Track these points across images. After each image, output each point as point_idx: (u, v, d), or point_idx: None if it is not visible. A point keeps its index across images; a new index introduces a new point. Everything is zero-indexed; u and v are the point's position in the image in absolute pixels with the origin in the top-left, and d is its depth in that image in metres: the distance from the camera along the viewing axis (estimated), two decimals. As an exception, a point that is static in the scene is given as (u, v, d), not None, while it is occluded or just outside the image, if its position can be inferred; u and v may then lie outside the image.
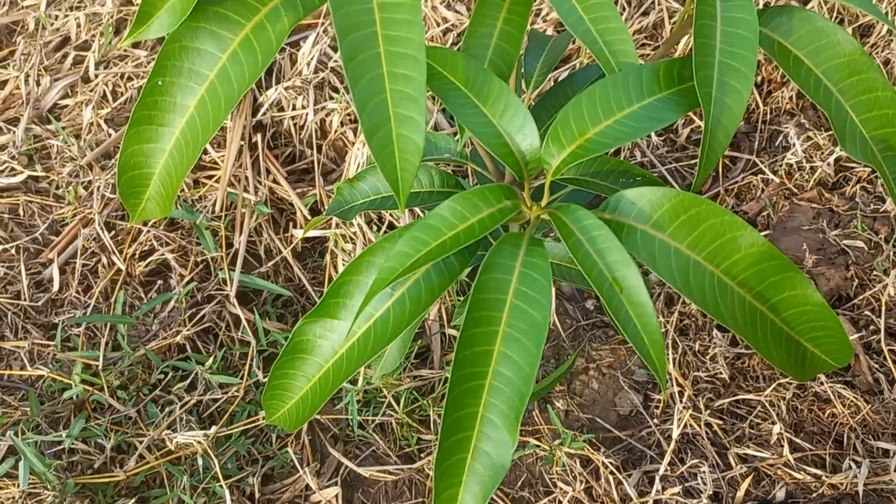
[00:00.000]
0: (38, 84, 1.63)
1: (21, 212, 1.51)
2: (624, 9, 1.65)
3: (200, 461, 1.24)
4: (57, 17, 1.72)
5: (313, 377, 0.65)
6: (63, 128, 1.57)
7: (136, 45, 1.64)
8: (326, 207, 1.42)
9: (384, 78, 0.55)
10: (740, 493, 1.29)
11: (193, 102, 0.62)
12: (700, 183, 0.60)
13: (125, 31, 1.68)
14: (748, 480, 1.29)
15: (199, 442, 1.22)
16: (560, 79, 1.09)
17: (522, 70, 0.90)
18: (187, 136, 0.63)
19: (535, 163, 0.62)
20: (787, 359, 0.62)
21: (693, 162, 1.63)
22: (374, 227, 1.44)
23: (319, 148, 1.51)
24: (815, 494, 1.30)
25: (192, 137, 0.63)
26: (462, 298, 1.37)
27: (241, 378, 1.35)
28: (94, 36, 1.67)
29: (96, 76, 1.61)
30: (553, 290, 1.43)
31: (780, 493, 1.31)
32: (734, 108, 0.61)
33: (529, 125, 0.61)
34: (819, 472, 1.30)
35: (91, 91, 1.59)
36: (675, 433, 1.34)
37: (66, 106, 1.61)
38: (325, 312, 0.64)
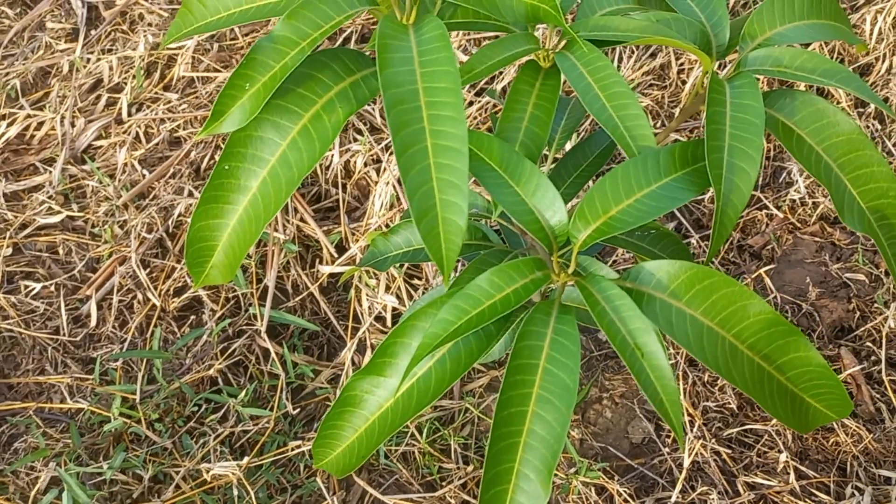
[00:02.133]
0: (73, 125, 1.71)
1: (59, 250, 1.58)
2: (633, 52, 1.72)
3: (235, 491, 1.30)
4: (90, 59, 1.80)
5: (360, 428, 0.72)
6: (98, 168, 1.64)
7: (166, 89, 1.71)
8: (356, 252, 1.49)
9: (431, 168, 0.62)
10: (749, 520, 1.35)
11: (256, 184, 0.69)
12: (712, 255, 0.67)
13: (155, 75, 1.75)
14: (756, 507, 1.35)
15: (233, 473, 1.29)
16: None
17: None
18: (250, 213, 0.70)
19: (562, 237, 0.69)
20: (790, 414, 0.69)
21: (700, 198, 1.69)
22: (398, 265, 1.51)
23: (344, 187, 1.58)
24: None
25: (254, 215, 0.70)
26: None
27: (271, 409, 1.41)
28: (126, 79, 1.75)
29: (129, 118, 1.69)
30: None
31: (787, 520, 1.37)
32: (743, 188, 0.68)
33: (558, 203, 0.68)
34: (824, 497, 1.36)
35: (124, 132, 1.67)
36: (686, 462, 1.40)
37: (100, 147, 1.69)
38: (373, 370, 0.70)
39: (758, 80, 0.72)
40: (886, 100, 1.75)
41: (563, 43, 0.75)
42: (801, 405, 0.70)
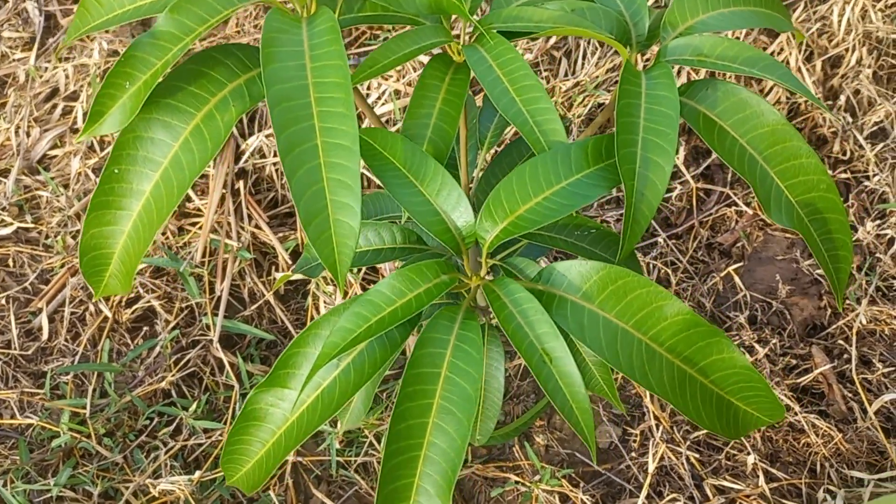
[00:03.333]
0: (28, 135, 1.68)
1: (11, 262, 1.55)
2: (597, 48, 1.69)
3: (184, 507, 1.27)
4: (46, 68, 1.77)
5: (267, 442, 0.68)
6: (52, 178, 1.61)
7: (121, 96, 1.68)
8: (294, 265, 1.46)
9: (321, 168, 0.59)
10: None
11: (149, 187, 0.66)
12: (625, 255, 0.63)
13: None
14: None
15: (180, 488, 1.25)
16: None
17: (478, 131, 0.94)
18: (143, 218, 0.67)
19: (470, 238, 0.65)
20: (717, 419, 0.65)
21: (667, 196, 1.66)
22: (354, 269, 1.48)
23: (300, 193, 1.54)
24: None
25: (147, 219, 0.67)
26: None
27: (225, 422, 1.38)
28: (82, 87, 1.72)
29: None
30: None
31: (758, 525, 1.33)
32: (657, 183, 0.64)
33: (464, 203, 0.65)
34: (794, 501, 1.32)
35: (79, 142, 1.63)
36: (651, 466, 1.36)
37: (55, 156, 1.66)
38: (276, 382, 0.67)
39: (676, 70, 0.68)
40: (857, 92, 1.72)
41: (474, 36, 0.71)
42: (730, 409, 0.66)
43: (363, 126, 0.77)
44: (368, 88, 1.62)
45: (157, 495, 1.28)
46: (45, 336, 1.47)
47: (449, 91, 0.69)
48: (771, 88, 1.68)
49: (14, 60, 1.79)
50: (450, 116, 0.68)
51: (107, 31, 1.77)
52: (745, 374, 0.65)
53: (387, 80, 1.61)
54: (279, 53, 0.60)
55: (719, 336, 0.64)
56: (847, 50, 1.71)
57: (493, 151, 0.88)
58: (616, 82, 1.73)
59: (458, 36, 0.73)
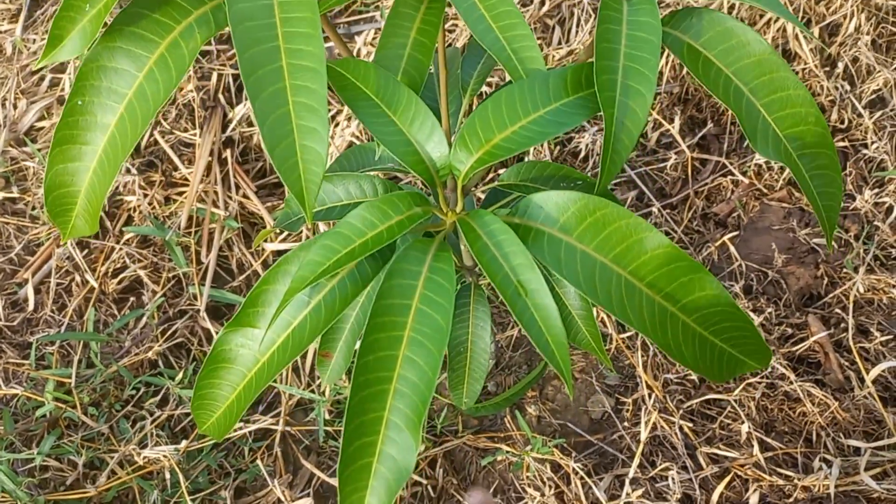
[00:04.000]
0: (15, 107, 1.66)
1: (-3, 233, 1.53)
2: (591, 15, 1.66)
3: (169, 476, 1.25)
4: (34, 40, 1.75)
5: (238, 385, 0.66)
6: (39, 150, 1.59)
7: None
8: (305, 233, 1.43)
9: (286, 91, 0.57)
10: (714, 497, 1.29)
11: (113, 120, 0.64)
12: (604, 186, 0.61)
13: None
14: (723, 483, 1.28)
15: (166, 457, 1.23)
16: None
17: (460, 77, 0.92)
18: (109, 153, 0.64)
19: (444, 170, 0.63)
20: (700, 359, 0.63)
21: (662, 165, 1.63)
22: (331, 223, 1.45)
23: (288, 162, 1.52)
24: (791, 499, 1.30)
25: (112, 154, 0.64)
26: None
27: (212, 391, 1.36)
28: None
29: (70, 97, 1.64)
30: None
31: (753, 498, 1.31)
32: (638, 111, 0.62)
33: (438, 133, 0.62)
34: (791, 473, 1.30)
35: (39, 68, 1.61)
36: (644, 435, 1.34)
37: (41, 128, 1.64)
38: (244, 321, 0.65)
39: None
40: (856, 60, 1.69)
41: (450, -35, 0.69)
42: (713, 351, 0.64)
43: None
44: (358, 56, 1.59)
45: (142, 464, 1.26)
46: (30, 307, 1.45)
47: (424, 20, 0.67)
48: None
49: (1, 32, 1.77)
50: (424, 47, 0.66)
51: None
52: (729, 313, 0.63)
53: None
54: (242, -28, 0.57)
55: (702, 272, 0.62)
56: (845, 17, 1.68)
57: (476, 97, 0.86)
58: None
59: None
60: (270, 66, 0.56)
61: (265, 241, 1.51)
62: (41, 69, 1.73)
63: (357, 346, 1.21)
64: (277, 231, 1.49)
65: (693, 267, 0.61)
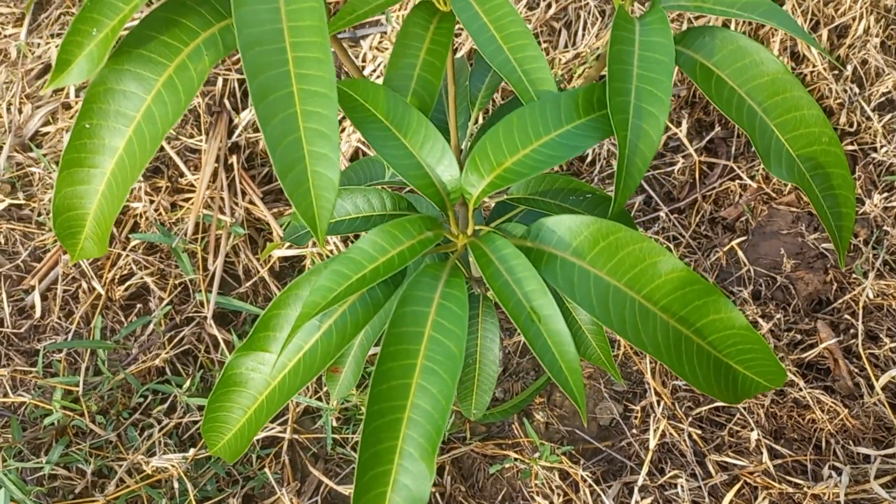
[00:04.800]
0: (20, 112, 1.65)
1: (3, 239, 1.53)
2: (597, 19, 1.65)
3: (177, 484, 1.25)
4: (39, 44, 1.74)
5: (249, 408, 0.66)
6: (44, 155, 1.59)
7: (113, 71, 1.65)
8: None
9: (297, 117, 0.56)
10: None
11: (122, 143, 0.63)
12: (618, 208, 0.60)
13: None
14: (733, 491, 1.28)
15: (174, 465, 1.23)
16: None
17: (469, 92, 0.91)
18: (118, 176, 0.64)
19: (455, 193, 0.62)
20: (715, 382, 0.62)
21: (669, 169, 1.63)
22: (339, 238, 1.45)
23: (294, 168, 1.52)
24: (801, 506, 1.30)
25: (121, 177, 0.64)
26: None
27: (220, 399, 1.35)
28: (73, 63, 1.69)
29: (77, 103, 1.64)
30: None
31: None
32: (651, 134, 0.61)
33: (448, 156, 0.62)
34: (800, 480, 1.30)
35: (71, 118, 1.61)
36: (653, 443, 1.33)
37: (47, 133, 1.64)
38: (255, 346, 0.64)
39: (674, 17, 0.65)
40: (865, 62, 1.67)
41: (460, -17, 0.68)
42: (728, 373, 0.64)
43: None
44: (364, 61, 1.59)
45: (150, 473, 1.26)
46: (37, 314, 1.45)
47: (433, 41, 0.66)
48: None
49: (5, 36, 1.76)
50: (434, 67, 0.65)
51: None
52: (744, 336, 0.62)
53: (382, 52, 1.57)
54: (252, -4, 0.57)
55: (716, 295, 0.61)
56: (854, 19, 1.67)
57: (484, 115, 0.85)
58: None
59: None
60: (281, 92, 0.56)
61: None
62: (46, 73, 1.73)
63: (374, 355, 1.21)
64: (277, 242, 1.49)
65: (707, 290, 0.61)
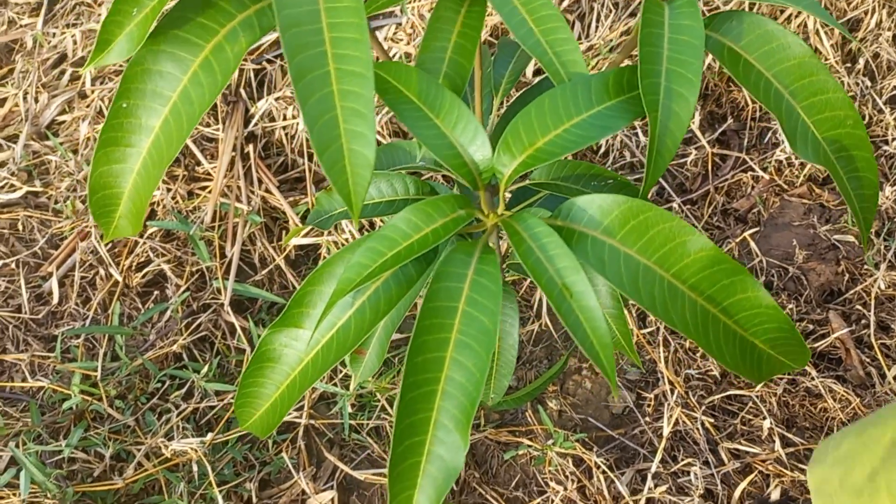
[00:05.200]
0: (37, 101, 1.67)
1: (21, 227, 1.54)
2: (611, 10, 1.66)
3: (196, 468, 1.26)
4: (54, 34, 1.75)
5: (281, 384, 0.67)
6: (61, 143, 1.60)
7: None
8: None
9: (334, 95, 0.57)
10: (737, 493, 1.30)
11: (158, 123, 0.64)
12: (648, 189, 0.61)
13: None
14: (747, 480, 1.29)
15: (193, 449, 1.25)
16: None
17: (492, 76, 0.92)
18: (153, 155, 0.65)
19: (487, 173, 0.63)
20: (740, 361, 0.63)
21: (682, 161, 1.63)
22: (366, 233, 1.46)
23: (311, 157, 1.53)
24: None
25: (157, 156, 0.65)
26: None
27: (237, 385, 1.37)
28: (90, 52, 1.70)
29: (92, 91, 1.65)
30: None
31: (775, 493, 1.31)
32: (681, 115, 0.62)
33: (481, 136, 0.63)
34: (811, 467, 1.31)
35: (87, 107, 1.62)
36: (666, 430, 1.35)
37: (63, 122, 1.65)
38: (289, 322, 0.66)
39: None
40: (877, 56, 1.68)
41: (490, -33, 0.69)
42: (753, 352, 0.65)
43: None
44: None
45: (169, 456, 1.27)
46: (55, 300, 1.46)
47: (465, 24, 0.67)
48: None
49: (21, 26, 1.77)
50: (466, 50, 0.66)
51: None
52: (770, 315, 0.63)
53: (397, 42, 1.58)
54: (291, -22, 0.58)
55: (743, 274, 0.62)
56: (866, 12, 1.68)
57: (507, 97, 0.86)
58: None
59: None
60: (319, 72, 0.57)
61: (286, 235, 1.51)
62: (62, 62, 1.74)
63: (394, 340, 1.22)
64: (299, 226, 1.50)
65: (735, 269, 0.62)
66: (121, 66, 1.68)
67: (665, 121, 0.62)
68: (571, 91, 0.63)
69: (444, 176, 1.41)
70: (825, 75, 0.67)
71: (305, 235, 1.49)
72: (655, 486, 1.30)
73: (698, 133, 1.63)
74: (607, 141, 1.61)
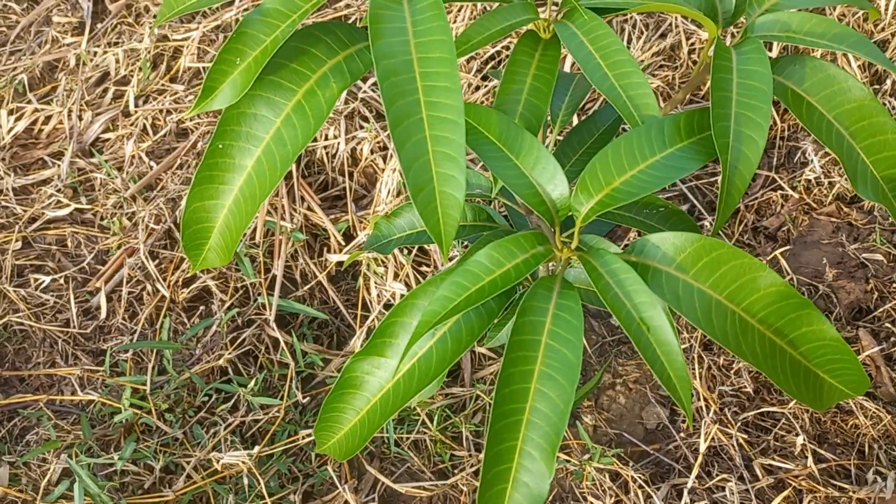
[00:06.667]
0: (81, 119, 1.71)
1: (68, 243, 1.58)
2: (642, 32, 1.70)
3: (245, 480, 1.30)
4: (96, 53, 1.80)
5: (362, 410, 0.71)
6: (105, 161, 1.64)
7: (173, 80, 1.71)
8: (364, 240, 1.48)
9: (427, 141, 0.61)
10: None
11: (251, 163, 0.68)
12: (720, 226, 0.65)
13: (161, 68, 1.75)
14: (781, 496, 1.32)
15: (243, 462, 1.28)
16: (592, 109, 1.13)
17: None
18: (245, 193, 0.69)
19: (564, 210, 0.67)
20: (804, 390, 0.66)
21: (713, 179, 1.67)
22: (406, 251, 1.50)
23: (351, 175, 1.56)
24: (845, 510, 1.33)
25: (249, 194, 0.69)
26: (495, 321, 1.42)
27: (281, 399, 1.40)
28: (132, 71, 1.75)
29: (136, 111, 1.69)
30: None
31: (807, 507, 1.34)
32: (750, 157, 0.65)
33: (559, 176, 0.66)
34: (845, 485, 1.34)
35: (132, 125, 1.66)
36: (703, 447, 1.38)
37: (107, 140, 1.69)
38: (373, 351, 0.69)
39: (765, 46, 0.69)
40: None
41: (563, 12, 0.73)
42: (816, 381, 0.68)
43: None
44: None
45: (219, 469, 1.31)
46: (103, 315, 1.50)
47: (539, 67, 0.70)
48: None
49: (64, 45, 1.82)
50: (541, 92, 0.69)
51: (155, 17, 1.79)
52: (834, 346, 0.67)
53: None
54: (385, 30, 0.62)
55: (810, 308, 0.66)
56: (893, 34, 1.71)
57: (565, 129, 0.90)
58: (661, 66, 1.74)
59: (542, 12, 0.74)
60: (413, 118, 0.60)
61: (328, 252, 1.55)
62: (104, 80, 1.78)
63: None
64: (340, 243, 1.54)
65: (802, 304, 0.65)
66: (163, 85, 1.72)
67: (735, 162, 0.65)
68: (646, 133, 0.66)
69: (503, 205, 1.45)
70: (884, 117, 0.70)
71: (345, 252, 1.53)
72: (692, 501, 1.33)
73: (729, 152, 1.66)
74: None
